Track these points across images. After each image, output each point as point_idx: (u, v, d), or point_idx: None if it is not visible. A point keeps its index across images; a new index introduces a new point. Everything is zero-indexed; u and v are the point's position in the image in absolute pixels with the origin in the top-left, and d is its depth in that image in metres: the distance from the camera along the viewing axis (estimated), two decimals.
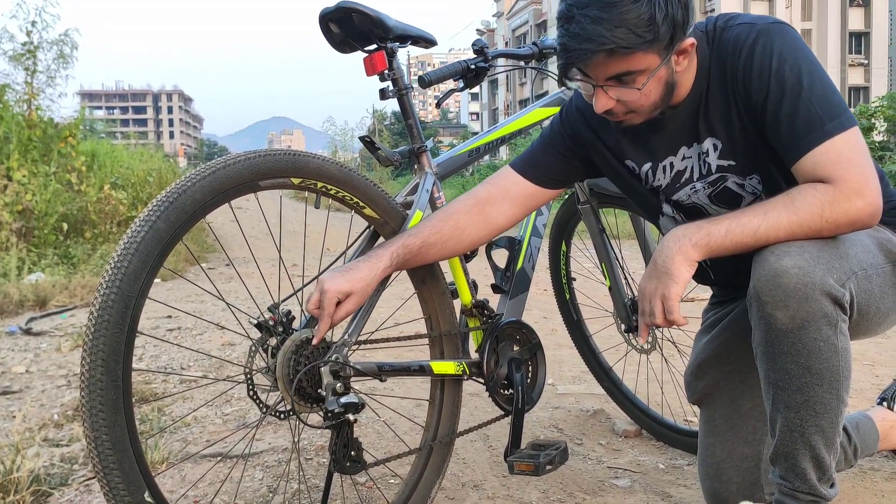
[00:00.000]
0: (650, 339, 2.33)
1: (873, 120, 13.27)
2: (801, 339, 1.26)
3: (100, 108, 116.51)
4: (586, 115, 1.66)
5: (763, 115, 1.38)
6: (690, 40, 1.39)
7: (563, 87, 2.21)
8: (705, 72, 1.46)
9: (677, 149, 1.54)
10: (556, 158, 1.70)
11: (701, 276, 1.69)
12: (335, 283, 1.49)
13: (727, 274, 1.64)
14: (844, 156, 1.30)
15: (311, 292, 1.52)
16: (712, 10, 38.92)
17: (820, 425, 1.29)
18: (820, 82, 1.34)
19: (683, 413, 2.51)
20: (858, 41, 40.02)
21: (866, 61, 39.87)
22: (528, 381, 1.89)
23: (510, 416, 1.82)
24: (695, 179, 1.53)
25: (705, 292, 1.89)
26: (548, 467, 1.71)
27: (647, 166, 1.59)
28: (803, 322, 1.25)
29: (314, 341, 1.49)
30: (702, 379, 1.70)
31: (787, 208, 1.30)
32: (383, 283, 1.62)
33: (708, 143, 1.49)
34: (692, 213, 1.58)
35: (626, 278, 2.32)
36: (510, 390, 1.85)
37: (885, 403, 1.91)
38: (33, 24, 7.85)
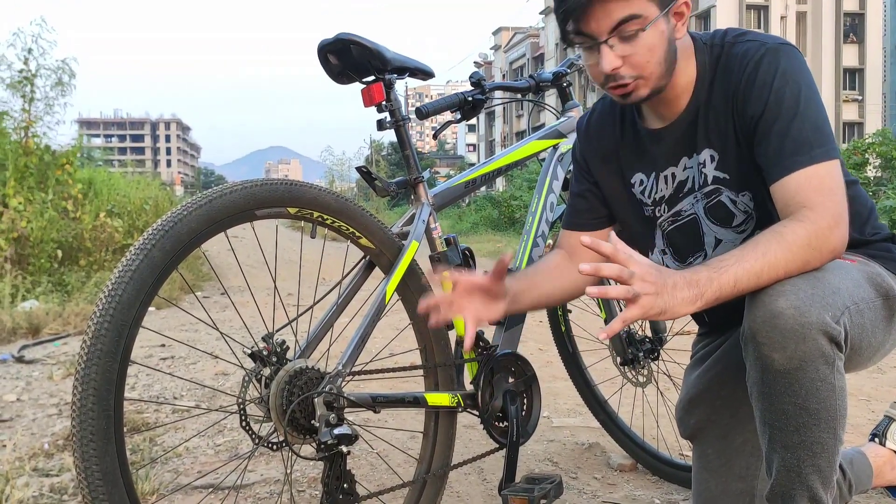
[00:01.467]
0: (645, 372, 2.32)
1: (867, 155, 13.39)
2: (799, 380, 1.24)
3: (98, 135, 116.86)
4: (593, 140, 1.69)
5: (755, 129, 1.39)
6: (685, 0, 1.41)
7: (561, 120, 2.22)
8: (706, 82, 1.47)
9: (678, 159, 1.54)
10: (588, 200, 1.72)
11: (695, 317, 1.71)
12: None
13: (721, 314, 1.62)
14: (826, 185, 1.32)
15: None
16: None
17: (817, 465, 1.28)
18: (815, 109, 1.37)
19: (679, 447, 2.49)
20: (853, 77, 40.42)
21: (860, 97, 40.24)
22: (524, 413, 1.88)
23: (504, 449, 1.80)
24: (696, 189, 1.53)
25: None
26: (542, 501, 1.69)
27: (652, 176, 1.59)
28: (801, 363, 1.23)
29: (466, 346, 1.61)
30: (693, 414, 1.68)
31: (782, 246, 1.28)
32: (379, 315, 1.62)
33: (706, 154, 1.50)
34: (686, 235, 1.57)
35: (621, 310, 2.31)
36: (505, 423, 1.83)
37: (876, 440, 1.90)
38: (30, 51, 7.90)
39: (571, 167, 1.78)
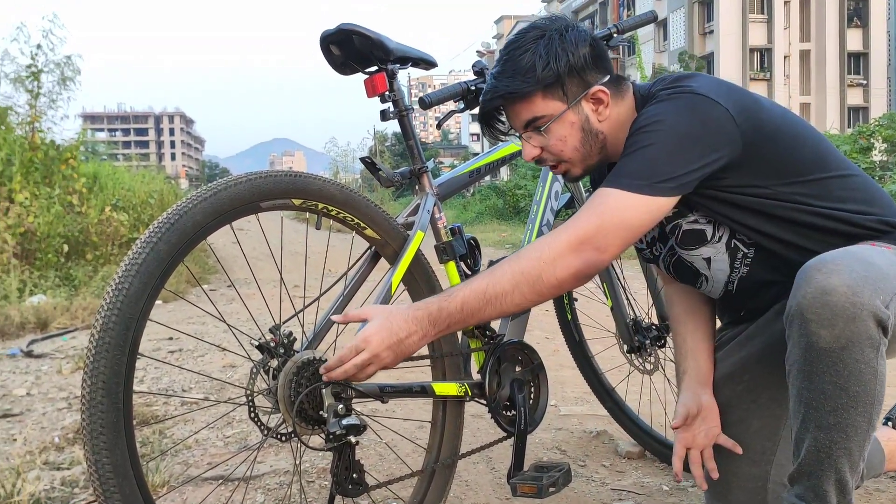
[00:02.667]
0: (652, 359, 2.32)
1: (872, 140, 13.33)
2: (843, 360, 1.24)
3: (102, 130, 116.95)
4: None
5: None
6: (598, 88, 1.52)
7: None
8: None
9: None
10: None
11: (728, 317, 1.76)
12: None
13: (754, 306, 1.66)
14: (601, 207, 1.39)
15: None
16: (711, 31, 39.17)
17: (848, 448, 1.27)
18: (662, 149, 1.41)
19: None
20: (857, 62, 40.19)
21: (865, 82, 40.02)
22: (531, 402, 1.88)
23: (513, 438, 1.80)
24: (658, 241, 1.63)
25: None
26: (551, 489, 1.69)
27: None
28: (847, 342, 1.23)
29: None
30: (714, 397, 1.69)
31: (512, 260, 1.41)
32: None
33: None
34: (683, 267, 1.65)
35: (627, 298, 2.31)
36: (512, 411, 1.84)
37: (890, 423, 1.90)
38: (38, 46, 7.89)
39: None
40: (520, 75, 1.49)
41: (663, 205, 1.41)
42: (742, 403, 1.63)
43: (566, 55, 1.49)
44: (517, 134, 1.59)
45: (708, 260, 1.57)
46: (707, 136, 1.41)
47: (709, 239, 1.55)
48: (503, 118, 1.61)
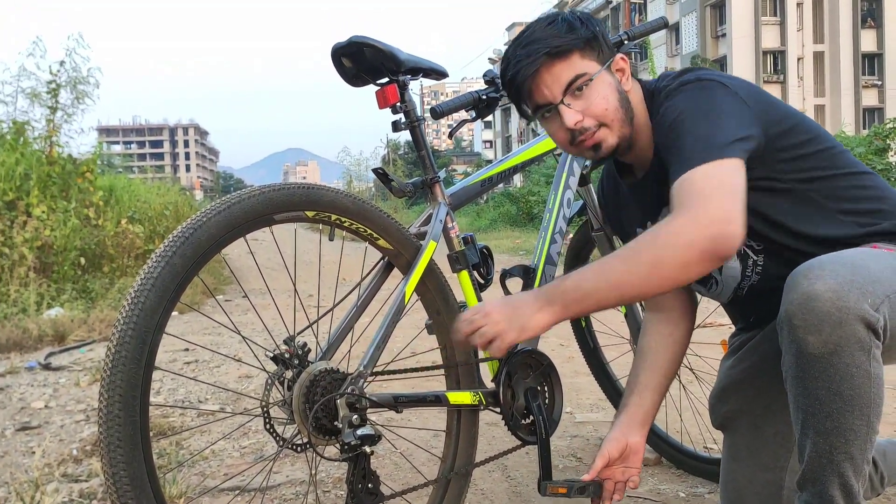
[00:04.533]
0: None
1: (889, 141, 13.23)
2: (834, 365, 1.24)
3: (117, 143, 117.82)
4: (607, 201, 1.86)
5: (670, 164, 1.43)
6: (621, 56, 1.55)
7: None
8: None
9: (659, 211, 1.62)
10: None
11: (739, 322, 1.76)
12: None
13: (763, 310, 1.63)
14: (696, 186, 1.33)
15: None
16: (723, 35, 39.05)
17: (849, 452, 1.27)
18: (705, 124, 1.40)
19: (703, 440, 2.48)
20: (871, 62, 39.95)
21: (880, 82, 39.76)
22: (547, 405, 1.88)
23: (537, 447, 1.80)
24: None
25: (721, 317, 1.87)
26: (580, 491, 1.72)
27: (649, 224, 1.65)
28: (836, 347, 1.23)
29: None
30: (726, 403, 1.69)
31: (624, 248, 1.40)
32: (400, 314, 1.63)
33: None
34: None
35: (641, 305, 2.31)
36: (529, 418, 1.84)
37: None
38: (62, 63, 7.97)
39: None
40: (558, 35, 1.49)
41: (741, 165, 1.36)
42: (755, 410, 1.62)
43: (584, 28, 1.51)
44: (552, 106, 1.52)
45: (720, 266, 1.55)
46: (743, 112, 1.42)
47: None
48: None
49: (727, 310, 1.79)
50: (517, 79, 1.52)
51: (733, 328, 2.00)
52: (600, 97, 1.50)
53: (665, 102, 1.50)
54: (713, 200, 1.30)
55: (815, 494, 1.31)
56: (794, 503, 1.46)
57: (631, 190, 1.70)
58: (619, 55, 1.55)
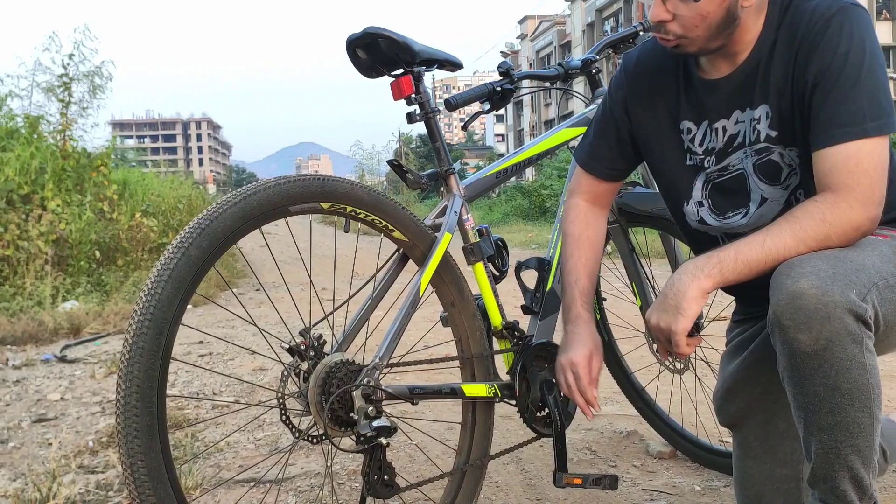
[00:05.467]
0: (682, 359, 2.30)
1: None
2: (828, 361, 1.23)
3: (131, 137, 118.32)
4: (643, 79, 1.65)
5: (813, 91, 1.36)
6: None
7: (591, 107, 2.20)
8: (770, 37, 1.44)
9: (731, 112, 1.51)
10: (611, 147, 1.72)
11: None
12: (576, 356, 1.63)
13: (756, 295, 1.59)
14: (863, 166, 1.31)
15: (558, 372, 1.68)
16: None
17: (856, 445, 1.26)
18: (875, 78, 1.34)
19: (719, 433, 2.47)
20: (887, 54, 39.60)
21: (895, 75, 39.40)
22: (562, 397, 1.87)
23: (551, 440, 1.80)
24: (746, 145, 1.50)
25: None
26: (595, 482, 1.73)
27: (704, 125, 1.56)
28: (827, 343, 1.22)
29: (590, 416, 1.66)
30: (733, 402, 1.66)
31: (788, 220, 1.34)
32: (415, 305, 1.63)
33: (761, 110, 1.46)
34: (731, 191, 1.54)
35: (656, 297, 2.30)
36: (544, 411, 1.83)
37: None
38: (70, 56, 8.01)
39: (604, 104, 1.75)
40: None
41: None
42: (764, 405, 1.60)
43: None
44: None
45: (764, 200, 1.50)
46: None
47: (781, 180, 1.48)
48: None
49: (735, 293, 1.74)
50: None
51: None
52: (698, 14, 1.38)
53: (823, 16, 1.37)
54: (877, 186, 1.32)
55: (827, 491, 1.30)
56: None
57: (692, 84, 1.57)
58: None
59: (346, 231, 1.68)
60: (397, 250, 1.74)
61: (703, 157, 1.57)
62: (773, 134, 1.46)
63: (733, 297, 1.76)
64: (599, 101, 2.23)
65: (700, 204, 1.60)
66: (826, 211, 1.31)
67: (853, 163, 1.31)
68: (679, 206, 1.65)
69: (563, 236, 1.78)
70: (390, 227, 1.67)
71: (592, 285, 1.72)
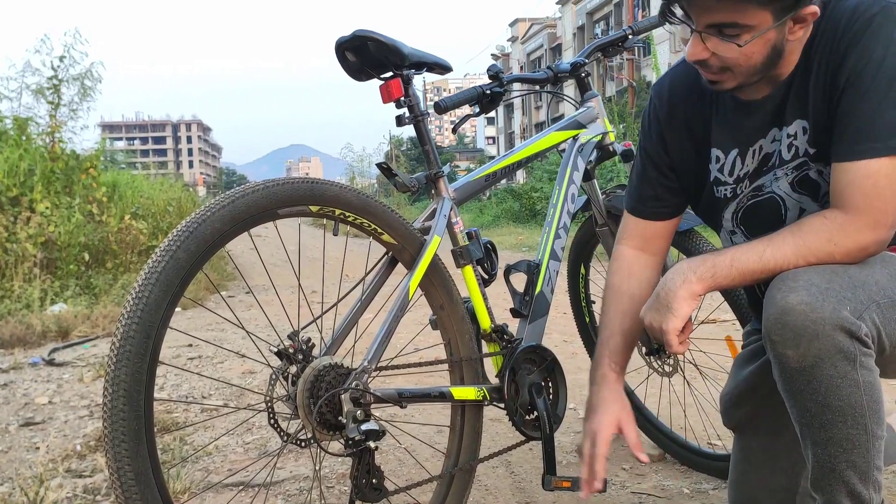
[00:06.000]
0: (671, 362, 2.31)
1: None
2: (817, 378, 1.21)
3: (120, 139, 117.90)
4: (678, 107, 1.57)
5: (842, 95, 1.30)
6: (814, 8, 1.28)
7: (581, 110, 2.21)
8: (811, 44, 1.35)
9: (768, 131, 1.44)
10: (656, 185, 1.62)
11: (752, 299, 1.66)
12: (599, 423, 1.57)
13: None
14: (880, 187, 1.26)
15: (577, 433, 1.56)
16: None
17: (851, 461, 1.23)
18: None
19: (707, 436, 2.48)
20: None
21: None
22: (551, 400, 1.88)
23: (540, 443, 1.80)
24: (780, 165, 1.43)
25: (726, 313, 1.86)
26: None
27: (734, 152, 1.49)
28: (815, 360, 1.19)
29: (583, 495, 1.57)
30: (741, 408, 1.63)
31: (793, 233, 1.29)
32: (403, 310, 1.63)
33: (797, 125, 1.39)
34: (765, 213, 1.48)
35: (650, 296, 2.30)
36: (533, 414, 1.84)
37: None
38: (61, 59, 7.98)
39: (640, 145, 1.66)
40: None
41: None
42: (772, 416, 1.56)
43: None
44: (691, 27, 1.33)
45: (803, 211, 1.44)
46: None
47: (818, 198, 1.41)
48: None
49: (750, 302, 1.72)
50: None
51: (736, 324, 1.99)
52: (742, 54, 1.30)
53: (862, 16, 1.29)
54: (891, 210, 1.26)
55: (826, 502, 1.29)
56: None
57: (726, 107, 1.49)
58: (813, 8, 1.28)
59: (335, 234, 1.68)
60: (386, 253, 1.74)
61: (733, 185, 1.51)
62: (813, 151, 1.38)
63: (725, 300, 1.76)
64: (590, 103, 2.24)
65: (733, 233, 1.56)
66: (834, 231, 1.27)
67: (870, 183, 1.26)
68: (717, 232, 1.63)
69: (605, 286, 1.70)
70: (379, 230, 1.67)
71: (627, 344, 1.62)
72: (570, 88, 2.40)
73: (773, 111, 1.42)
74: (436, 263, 1.75)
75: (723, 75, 1.36)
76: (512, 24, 60.51)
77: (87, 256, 6.99)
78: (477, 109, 1.99)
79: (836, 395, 1.21)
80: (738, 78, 1.36)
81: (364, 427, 1.47)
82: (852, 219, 1.27)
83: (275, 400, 1.48)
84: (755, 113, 1.45)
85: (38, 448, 2.70)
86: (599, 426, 1.56)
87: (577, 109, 2.24)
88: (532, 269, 1.98)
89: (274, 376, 1.49)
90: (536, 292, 1.97)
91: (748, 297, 1.69)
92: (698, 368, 2.41)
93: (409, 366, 1.72)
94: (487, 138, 78.87)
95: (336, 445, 1.55)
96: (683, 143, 1.57)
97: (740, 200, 1.51)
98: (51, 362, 4.24)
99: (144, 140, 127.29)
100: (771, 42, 1.31)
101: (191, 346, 4.58)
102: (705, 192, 1.57)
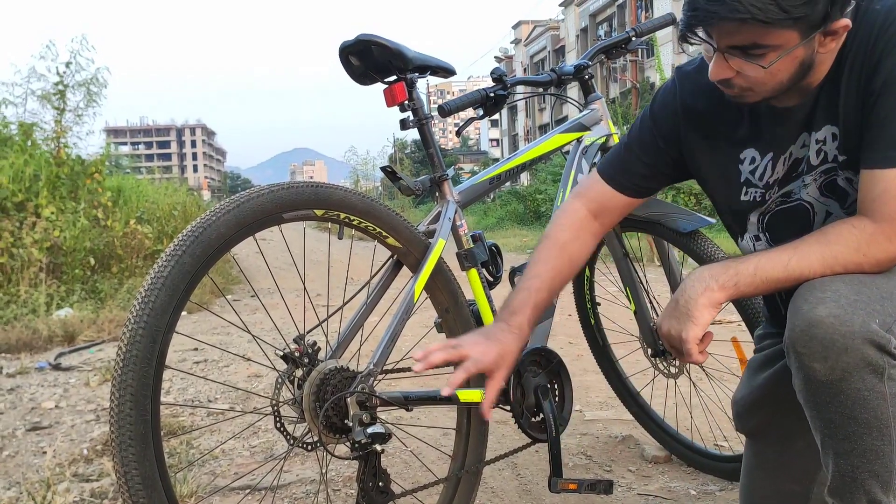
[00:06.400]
0: (677, 363, 2.30)
1: None
2: (844, 391, 1.18)
3: (125, 143, 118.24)
4: (692, 101, 1.52)
5: (876, 101, 1.26)
6: (845, 22, 1.23)
7: (584, 112, 2.21)
8: (843, 49, 1.30)
9: (798, 136, 1.40)
10: (646, 164, 1.58)
11: (770, 309, 1.64)
12: (489, 356, 1.48)
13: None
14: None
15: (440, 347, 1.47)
16: None
17: (873, 471, 1.21)
18: None
19: (714, 438, 2.48)
20: None
21: None
22: (556, 401, 1.88)
23: (546, 445, 1.80)
24: (809, 171, 1.39)
25: (731, 314, 1.86)
26: (591, 487, 1.73)
27: (768, 157, 1.45)
28: (844, 374, 1.17)
29: (446, 392, 1.49)
30: (755, 414, 1.61)
31: (820, 241, 1.26)
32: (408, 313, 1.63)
33: (826, 131, 1.36)
34: (791, 220, 1.45)
35: (651, 302, 2.30)
36: (539, 416, 1.84)
37: None
38: (67, 65, 8.01)
39: (646, 117, 1.60)
40: (786, 0, 1.18)
41: None
42: (786, 422, 1.55)
43: None
44: (713, 46, 1.28)
45: (829, 215, 1.41)
46: None
47: (846, 204, 1.38)
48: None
49: (765, 306, 1.69)
50: (692, 16, 1.26)
51: (742, 325, 1.99)
52: (767, 73, 1.27)
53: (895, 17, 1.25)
54: None
55: None
56: None
57: (758, 112, 1.44)
58: (844, 21, 1.23)
59: (340, 238, 1.68)
60: (391, 257, 1.75)
61: (763, 190, 1.47)
62: (843, 158, 1.35)
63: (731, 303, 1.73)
64: (594, 105, 2.24)
65: (757, 238, 1.52)
66: (863, 241, 1.23)
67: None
68: (735, 237, 1.58)
69: (545, 236, 1.64)
70: (384, 233, 1.67)
71: (548, 302, 1.60)
72: (573, 90, 2.40)
73: (803, 117, 1.39)
74: (441, 266, 1.75)
75: (746, 93, 1.33)
76: (515, 27, 60.49)
77: (92, 261, 7.01)
78: (481, 112, 1.99)
79: (863, 408, 1.18)
80: (763, 94, 1.32)
81: (370, 430, 1.47)
82: (883, 228, 1.23)
83: (281, 403, 1.48)
84: (787, 120, 1.41)
85: (45, 452, 2.70)
86: (475, 350, 1.48)
87: (580, 112, 2.25)
88: None
89: (280, 380, 1.50)
90: None
91: (764, 298, 1.65)
92: (704, 370, 2.41)
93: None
94: (491, 140, 78.84)
95: (342, 449, 1.56)
96: (707, 142, 1.52)
97: (768, 206, 1.48)
98: (57, 367, 4.26)
99: (149, 145, 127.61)
100: (799, 59, 1.27)
101: (196, 349, 4.59)
102: (731, 193, 1.52)
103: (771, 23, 1.19)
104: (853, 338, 1.15)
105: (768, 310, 1.66)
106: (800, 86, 1.33)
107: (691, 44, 1.34)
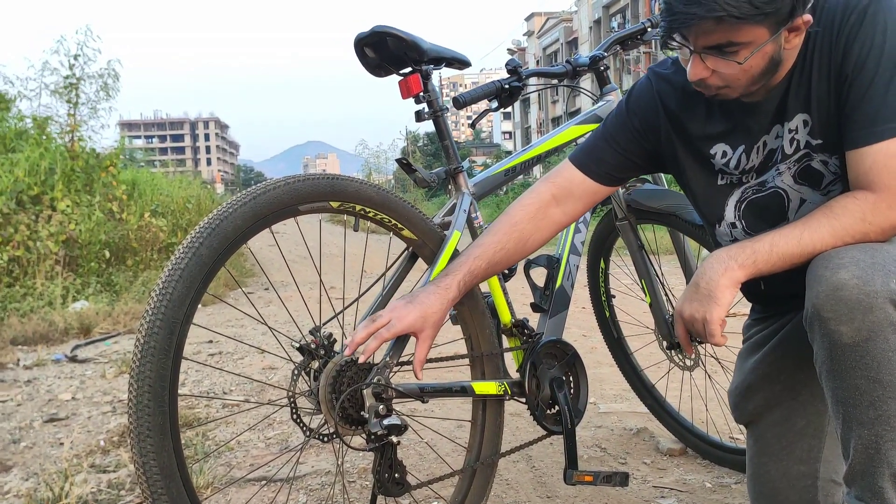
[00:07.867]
0: (692, 355, 2.29)
1: None
2: (869, 352, 1.21)
3: (139, 137, 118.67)
4: (666, 99, 1.59)
5: (849, 88, 1.33)
6: (807, 17, 1.33)
7: (599, 104, 2.20)
8: (806, 42, 1.39)
9: (771, 127, 1.47)
10: (619, 154, 1.63)
11: (750, 291, 1.66)
12: (407, 318, 1.50)
13: (779, 284, 1.54)
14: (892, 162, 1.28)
15: (373, 317, 1.51)
16: None
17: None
18: None
19: (729, 430, 2.47)
20: None
21: None
22: (572, 394, 1.87)
23: (562, 437, 1.80)
24: (783, 159, 1.45)
25: (746, 307, 1.85)
26: (606, 479, 1.74)
27: (740, 149, 1.51)
28: (869, 333, 1.20)
29: (347, 352, 1.50)
30: (751, 399, 1.63)
31: (826, 215, 1.31)
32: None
33: (798, 119, 1.42)
34: (766, 208, 1.50)
35: (666, 294, 2.30)
36: (554, 408, 1.84)
37: None
38: (76, 57, 8.05)
39: (622, 111, 1.65)
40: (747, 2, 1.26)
41: None
42: (783, 402, 1.58)
43: None
44: (690, 49, 1.36)
45: (803, 202, 1.46)
46: None
47: (821, 186, 1.44)
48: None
49: (747, 292, 1.70)
50: (671, 20, 1.33)
51: None
52: (741, 69, 1.34)
53: (855, 8, 1.34)
54: None
55: (864, 488, 1.28)
56: (829, 493, 1.43)
57: (728, 106, 1.51)
58: (807, 16, 1.32)
59: (356, 230, 1.69)
60: (407, 249, 1.75)
61: (739, 175, 1.52)
62: (816, 142, 1.41)
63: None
64: (609, 97, 2.23)
65: (733, 225, 1.56)
66: (866, 210, 1.29)
67: (892, 164, 1.28)
68: (712, 227, 1.61)
69: (504, 212, 1.67)
70: (399, 225, 1.67)
71: (485, 275, 1.64)
72: (585, 82, 2.39)
73: (774, 109, 1.45)
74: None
75: (723, 91, 1.40)
76: (528, 19, 60.26)
77: (107, 254, 7.06)
78: (495, 104, 1.99)
79: (888, 370, 1.21)
80: (738, 90, 1.40)
81: (386, 422, 1.47)
82: (883, 196, 1.29)
83: (297, 395, 1.49)
84: (757, 114, 1.47)
85: (62, 444, 2.73)
86: (402, 315, 1.51)
87: (595, 103, 2.24)
88: (552, 264, 1.98)
89: (296, 371, 1.50)
90: (556, 287, 1.97)
91: (745, 290, 1.65)
92: (719, 362, 2.40)
93: (430, 360, 1.72)
94: (504, 133, 78.67)
95: (358, 440, 1.56)
96: (682, 135, 1.58)
97: (745, 191, 1.53)
98: (73, 359, 4.29)
99: (163, 138, 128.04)
100: (769, 54, 1.35)
101: (211, 342, 4.61)
102: (703, 182, 1.58)
103: (743, 18, 1.27)
104: (876, 297, 1.19)
105: (750, 294, 1.68)
106: (767, 82, 1.40)
107: (671, 48, 1.42)
